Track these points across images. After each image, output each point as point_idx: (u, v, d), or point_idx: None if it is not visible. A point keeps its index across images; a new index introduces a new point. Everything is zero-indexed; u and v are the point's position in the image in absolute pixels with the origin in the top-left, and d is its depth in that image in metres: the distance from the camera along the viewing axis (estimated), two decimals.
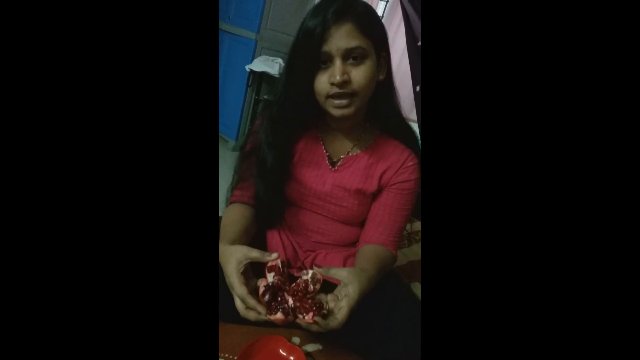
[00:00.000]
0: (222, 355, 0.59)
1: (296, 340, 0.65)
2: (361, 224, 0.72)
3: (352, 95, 0.58)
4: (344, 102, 0.58)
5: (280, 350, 0.60)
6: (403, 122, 0.69)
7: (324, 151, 0.70)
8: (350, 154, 0.69)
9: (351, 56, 0.56)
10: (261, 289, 0.52)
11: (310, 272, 0.54)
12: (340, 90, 0.57)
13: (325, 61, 0.57)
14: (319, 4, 0.57)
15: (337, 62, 0.56)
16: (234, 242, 0.58)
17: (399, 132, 0.69)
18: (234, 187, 0.71)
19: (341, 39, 0.54)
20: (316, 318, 0.50)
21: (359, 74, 0.56)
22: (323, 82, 0.58)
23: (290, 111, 0.62)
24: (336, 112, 0.59)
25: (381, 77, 0.62)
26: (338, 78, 0.55)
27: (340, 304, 0.52)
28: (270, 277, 0.54)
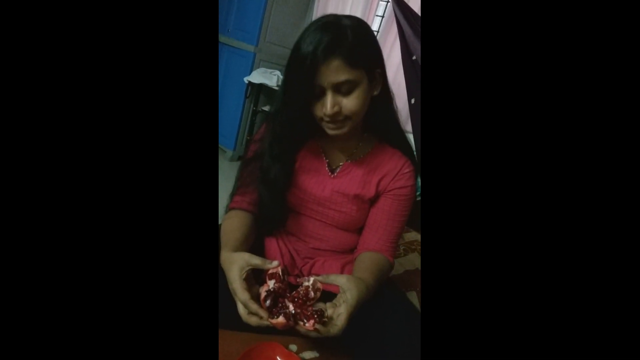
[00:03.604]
0: None
1: (293, 347, 0.65)
2: (358, 230, 0.74)
3: (344, 120, 0.61)
4: (336, 125, 0.62)
5: (278, 357, 0.60)
6: (400, 131, 0.72)
7: (324, 158, 0.72)
8: (349, 161, 0.71)
9: (341, 88, 0.58)
10: (263, 294, 0.53)
11: (311, 279, 0.55)
12: (332, 119, 0.60)
13: (318, 91, 0.59)
14: (312, 29, 0.58)
15: (329, 95, 0.58)
16: (236, 250, 0.59)
17: (396, 140, 0.71)
18: (233, 193, 0.72)
19: (331, 74, 0.56)
20: (317, 326, 0.50)
21: (349, 103, 0.59)
22: (317, 109, 0.61)
23: (290, 127, 0.65)
24: (330, 132, 0.64)
25: (376, 93, 0.64)
26: (329, 111, 0.59)
27: (339, 311, 0.53)
28: (271, 284, 0.55)
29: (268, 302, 0.52)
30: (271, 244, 0.74)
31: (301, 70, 0.57)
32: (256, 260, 0.55)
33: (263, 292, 0.53)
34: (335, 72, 0.56)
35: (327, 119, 0.61)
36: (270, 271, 0.55)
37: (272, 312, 0.52)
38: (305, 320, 0.51)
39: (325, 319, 0.52)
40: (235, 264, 0.55)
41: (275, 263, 0.55)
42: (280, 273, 0.55)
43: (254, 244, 0.69)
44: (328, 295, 0.58)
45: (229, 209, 0.71)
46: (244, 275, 0.54)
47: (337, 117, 0.61)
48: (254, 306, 0.52)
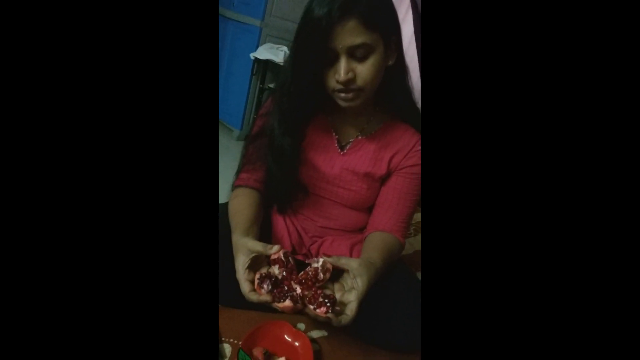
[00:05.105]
0: (227, 340, 0.59)
1: (301, 326, 0.65)
2: (369, 209, 0.72)
3: (358, 90, 0.58)
4: (350, 95, 0.58)
5: (286, 336, 0.60)
6: (413, 105, 0.68)
7: (333, 134, 0.69)
8: (359, 137, 0.68)
9: (356, 52, 0.55)
10: (256, 281, 0.52)
11: (321, 260, 0.54)
12: (345, 87, 0.57)
13: (331, 56, 0.55)
14: None
15: (342, 60, 0.55)
16: (246, 231, 0.58)
17: (409, 115, 0.68)
18: (239, 170, 0.70)
19: (346, 36, 0.52)
20: (329, 314, 0.49)
21: (364, 70, 0.56)
22: (329, 77, 0.58)
23: (299, 100, 0.62)
24: (343, 104, 0.60)
25: (390, 63, 0.60)
26: (342, 77, 0.55)
27: (350, 298, 0.52)
28: (275, 269, 0.54)
29: (265, 286, 0.51)
30: (278, 222, 0.73)
31: (314, 33, 0.53)
32: (258, 247, 0.54)
33: (256, 278, 0.52)
34: (350, 33, 0.53)
35: (339, 87, 0.57)
36: (272, 256, 0.54)
37: (274, 295, 0.51)
38: (314, 305, 0.50)
39: (338, 308, 0.51)
40: (239, 252, 0.54)
41: (275, 248, 0.53)
42: (283, 257, 0.53)
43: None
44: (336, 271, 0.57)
45: (235, 186, 0.70)
46: (248, 263, 0.53)
47: (350, 85, 0.57)
48: (254, 297, 0.51)
